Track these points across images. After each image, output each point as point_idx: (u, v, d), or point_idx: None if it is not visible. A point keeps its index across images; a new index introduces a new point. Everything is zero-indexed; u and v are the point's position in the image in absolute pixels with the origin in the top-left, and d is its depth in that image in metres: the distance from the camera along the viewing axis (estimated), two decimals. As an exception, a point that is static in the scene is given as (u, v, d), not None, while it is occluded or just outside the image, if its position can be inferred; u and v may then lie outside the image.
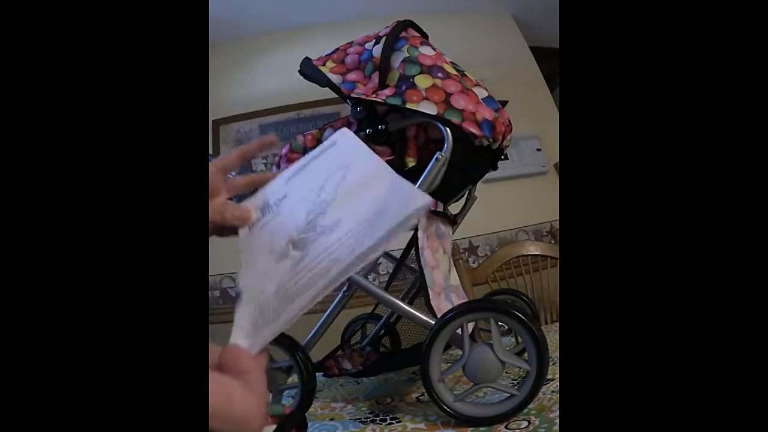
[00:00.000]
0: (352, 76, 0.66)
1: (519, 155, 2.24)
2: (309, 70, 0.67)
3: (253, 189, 0.40)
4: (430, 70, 0.60)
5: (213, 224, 0.37)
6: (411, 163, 0.65)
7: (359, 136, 0.64)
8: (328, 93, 0.67)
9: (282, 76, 2.21)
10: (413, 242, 0.63)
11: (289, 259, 0.32)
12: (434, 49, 0.64)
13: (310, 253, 0.31)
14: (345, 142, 0.38)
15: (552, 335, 0.92)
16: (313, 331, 0.65)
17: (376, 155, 0.35)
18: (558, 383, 0.57)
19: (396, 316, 0.85)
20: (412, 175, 0.60)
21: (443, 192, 0.64)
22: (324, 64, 0.67)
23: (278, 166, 0.77)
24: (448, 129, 0.58)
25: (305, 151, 0.77)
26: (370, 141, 0.64)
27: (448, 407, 0.50)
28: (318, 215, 0.33)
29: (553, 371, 0.61)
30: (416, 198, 0.30)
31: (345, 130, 0.38)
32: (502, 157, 0.69)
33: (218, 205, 0.37)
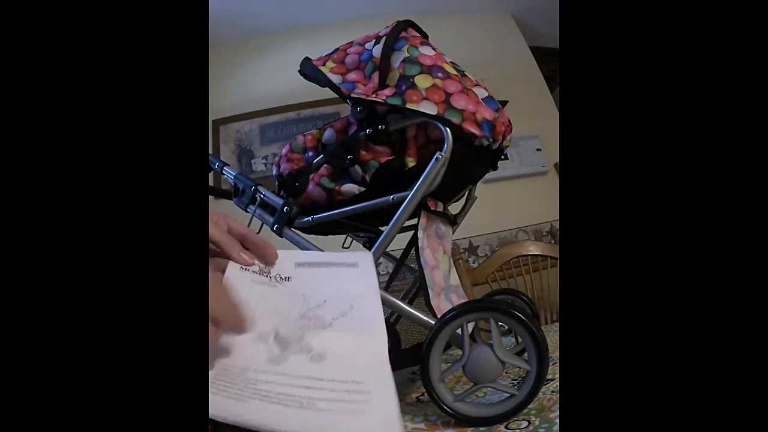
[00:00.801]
0: (352, 76, 0.66)
1: (519, 155, 2.24)
2: (309, 70, 0.67)
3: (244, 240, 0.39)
4: (430, 70, 0.60)
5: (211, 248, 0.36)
6: (411, 163, 0.65)
7: (359, 136, 0.64)
8: (328, 93, 0.67)
9: (282, 76, 2.21)
10: (413, 242, 0.63)
11: (265, 347, 0.31)
12: (434, 49, 0.64)
13: (287, 368, 0.30)
14: (365, 271, 0.37)
15: (552, 335, 0.91)
16: (313, 331, 0.65)
17: (380, 308, 0.34)
18: (558, 383, 0.57)
19: (396, 316, 0.85)
20: (412, 176, 0.60)
21: (443, 192, 0.64)
22: (324, 64, 0.67)
23: (278, 167, 0.77)
24: (448, 129, 0.58)
25: (305, 151, 0.77)
26: (370, 141, 0.65)
27: (448, 407, 0.50)
28: (309, 329, 0.32)
29: (553, 371, 0.61)
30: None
31: (371, 258, 0.37)
32: (502, 157, 0.69)
33: (226, 235, 0.36)
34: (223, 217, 0.38)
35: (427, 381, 0.51)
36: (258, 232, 0.70)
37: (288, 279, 0.36)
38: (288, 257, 0.38)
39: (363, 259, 0.38)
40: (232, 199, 0.72)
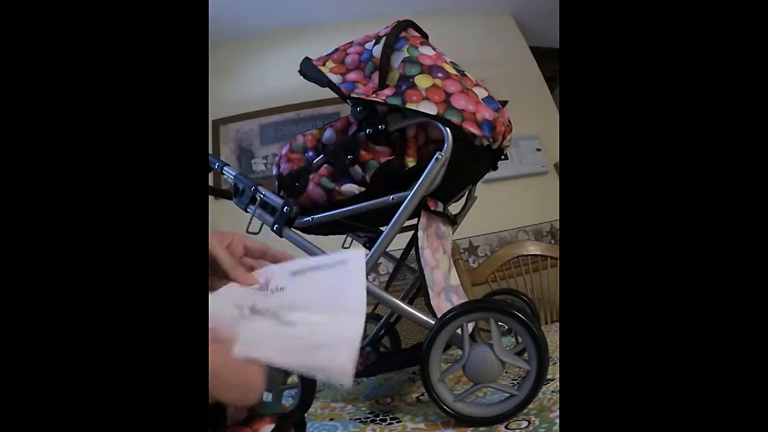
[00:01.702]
0: (352, 76, 0.65)
1: (519, 155, 2.24)
2: (309, 70, 0.67)
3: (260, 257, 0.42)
4: (430, 70, 0.60)
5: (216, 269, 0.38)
6: (411, 163, 0.65)
7: (359, 136, 0.64)
8: (328, 93, 0.67)
9: (282, 76, 2.21)
10: (413, 242, 0.63)
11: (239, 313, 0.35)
12: (434, 49, 0.64)
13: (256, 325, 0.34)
14: (354, 268, 0.39)
15: (552, 335, 0.91)
16: (312, 331, 0.65)
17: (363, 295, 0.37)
18: (558, 383, 0.57)
19: (396, 316, 0.85)
20: (412, 176, 0.60)
21: (443, 192, 0.64)
22: (324, 64, 0.67)
23: (278, 167, 0.76)
24: (448, 129, 0.57)
25: (305, 151, 0.77)
26: (370, 141, 0.64)
27: (448, 407, 0.50)
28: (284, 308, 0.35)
29: (553, 371, 0.61)
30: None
31: (360, 254, 0.39)
32: (502, 157, 0.69)
33: (232, 260, 0.38)
34: (238, 238, 0.40)
35: (427, 381, 0.51)
36: (258, 232, 0.70)
37: (282, 289, 0.38)
38: (284, 268, 0.40)
39: (353, 256, 0.40)
40: (232, 199, 0.72)
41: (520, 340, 0.51)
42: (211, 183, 1.85)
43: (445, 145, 0.58)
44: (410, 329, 0.90)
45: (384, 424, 0.55)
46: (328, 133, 0.74)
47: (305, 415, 0.61)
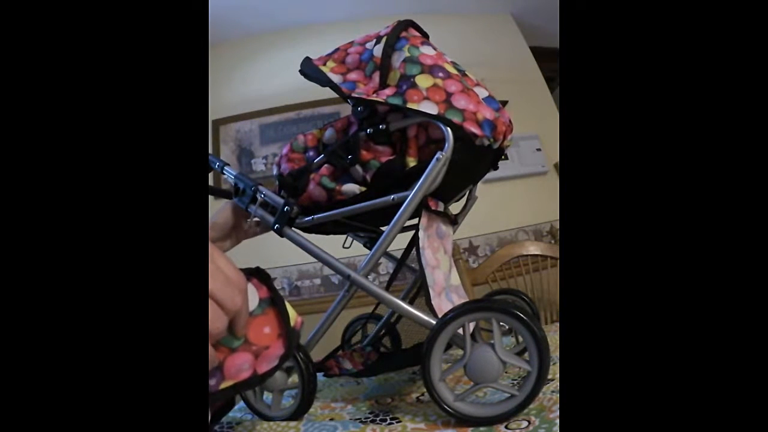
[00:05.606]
0: (352, 75, 0.65)
1: (519, 155, 2.24)
2: (309, 70, 0.67)
3: None
4: (430, 69, 0.60)
5: None
6: (412, 162, 0.65)
7: (360, 136, 0.64)
8: (328, 93, 0.67)
9: (282, 76, 2.21)
10: (414, 242, 0.63)
11: None
12: (435, 48, 0.64)
13: None
14: None
15: (552, 335, 0.91)
16: (313, 331, 0.65)
17: None
18: (558, 383, 0.57)
19: (396, 316, 0.85)
20: (413, 175, 0.60)
21: (444, 192, 0.64)
22: (324, 64, 0.67)
23: (279, 166, 0.77)
24: (449, 129, 0.57)
25: (306, 150, 0.77)
26: (371, 140, 0.65)
27: (448, 407, 0.50)
28: None
29: (553, 371, 0.61)
30: None
31: None
32: (503, 157, 0.69)
33: None
34: None
35: (427, 380, 0.51)
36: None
37: None
38: None
39: None
40: (232, 199, 0.72)
41: (520, 340, 0.51)
42: (211, 183, 1.85)
43: (446, 145, 0.58)
44: (410, 329, 0.89)
45: (384, 424, 0.55)
46: (329, 133, 0.74)
47: (305, 414, 0.61)
